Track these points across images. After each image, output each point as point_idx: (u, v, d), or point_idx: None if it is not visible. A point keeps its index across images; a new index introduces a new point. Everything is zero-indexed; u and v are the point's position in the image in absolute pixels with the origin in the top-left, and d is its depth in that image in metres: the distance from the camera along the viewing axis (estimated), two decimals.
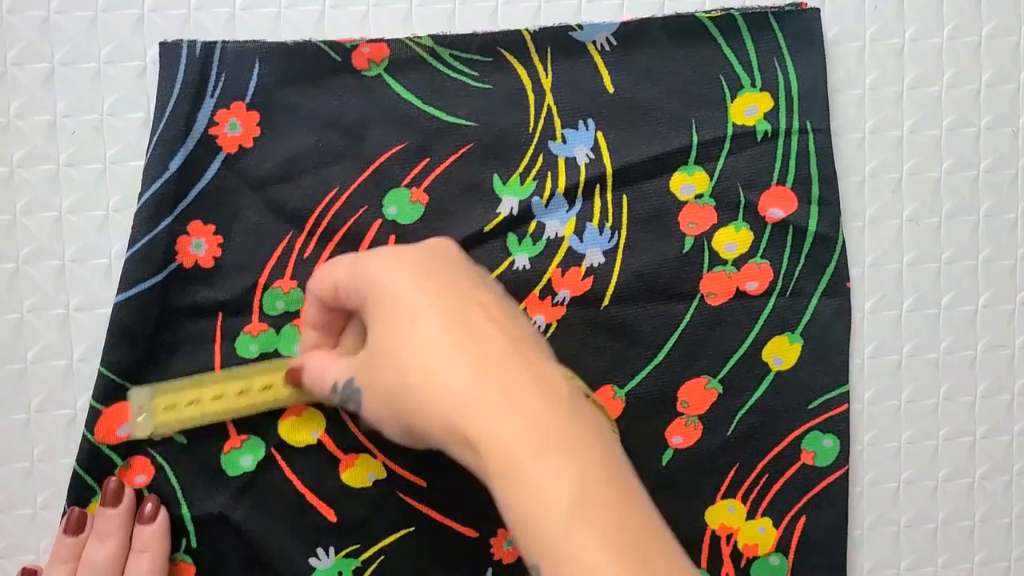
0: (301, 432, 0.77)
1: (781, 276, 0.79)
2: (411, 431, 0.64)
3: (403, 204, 0.77)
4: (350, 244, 0.77)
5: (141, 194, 0.74)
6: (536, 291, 0.78)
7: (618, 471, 0.61)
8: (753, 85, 0.78)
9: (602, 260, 0.78)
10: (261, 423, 0.77)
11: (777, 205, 0.79)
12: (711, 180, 0.78)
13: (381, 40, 0.76)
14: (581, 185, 0.77)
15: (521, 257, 0.78)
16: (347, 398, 0.68)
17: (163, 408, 0.75)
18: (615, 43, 0.77)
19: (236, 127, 0.75)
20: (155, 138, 0.74)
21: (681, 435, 0.80)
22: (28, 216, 0.76)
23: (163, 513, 0.75)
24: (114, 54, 0.76)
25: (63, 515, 0.75)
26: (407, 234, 0.77)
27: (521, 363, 0.62)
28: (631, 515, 0.59)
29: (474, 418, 0.60)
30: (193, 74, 0.74)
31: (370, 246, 0.77)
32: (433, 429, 0.62)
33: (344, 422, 0.78)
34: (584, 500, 0.57)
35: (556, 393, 0.61)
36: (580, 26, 0.77)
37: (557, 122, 0.77)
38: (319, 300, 0.71)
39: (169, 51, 0.75)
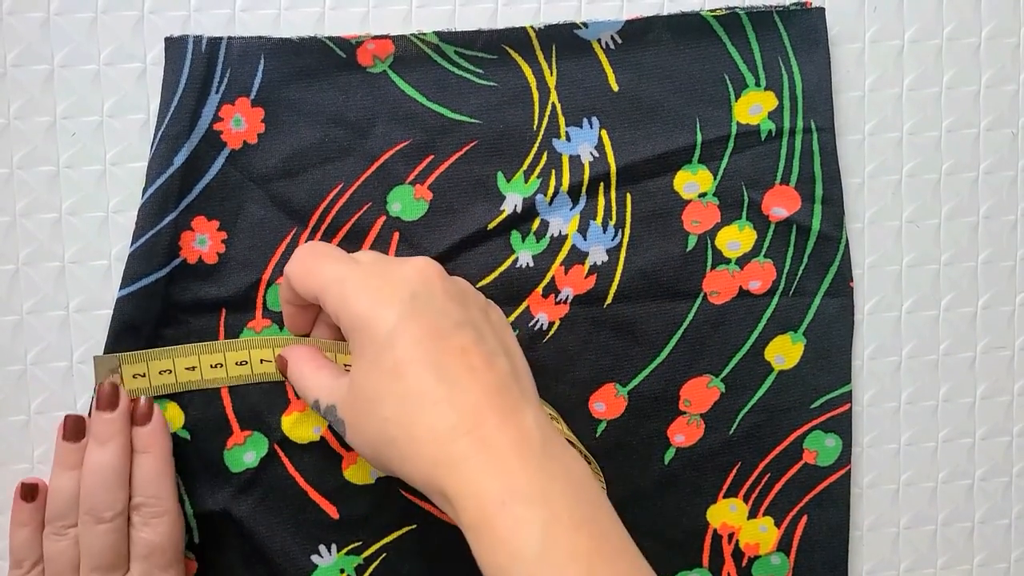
0: (304, 428, 0.77)
1: (784, 275, 0.79)
2: (393, 474, 0.66)
3: (407, 201, 0.77)
4: (354, 240, 0.77)
5: (145, 189, 0.74)
6: (539, 289, 0.78)
7: (590, 517, 0.62)
8: (757, 84, 0.78)
9: (605, 258, 0.78)
10: (264, 419, 0.77)
11: (780, 204, 0.79)
12: (715, 179, 0.78)
13: (386, 37, 0.76)
14: (585, 183, 0.77)
15: (524, 255, 0.78)
16: (330, 421, 0.69)
17: (132, 376, 0.75)
18: (620, 41, 0.77)
19: (241, 123, 0.75)
20: (159, 133, 0.74)
21: (683, 434, 0.80)
22: (28, 217, 0.76)
23: (158, 411, 0.75)
24: (114, 56, 0.76)
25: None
26: (411, 231, 0.77)
27: (495, 416, 0.63)
28: (601, 562, 0.60)
29: (449, 474, 0.62)
30: (198, 69, 0.74)
31: (374, 243, 0.77)
32: (414, 479, 0.64)
33: None
34: (550, 548, 0.59)
35: (528, 443, 0.63)
36: (585, 24, 0.77)
37: (561, 120, 0.77)
38: (292, 290, 0.72)
39: (174, 46, 0.75)
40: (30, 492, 0.74)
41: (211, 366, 0.76)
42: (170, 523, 0.73)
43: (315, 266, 0.70)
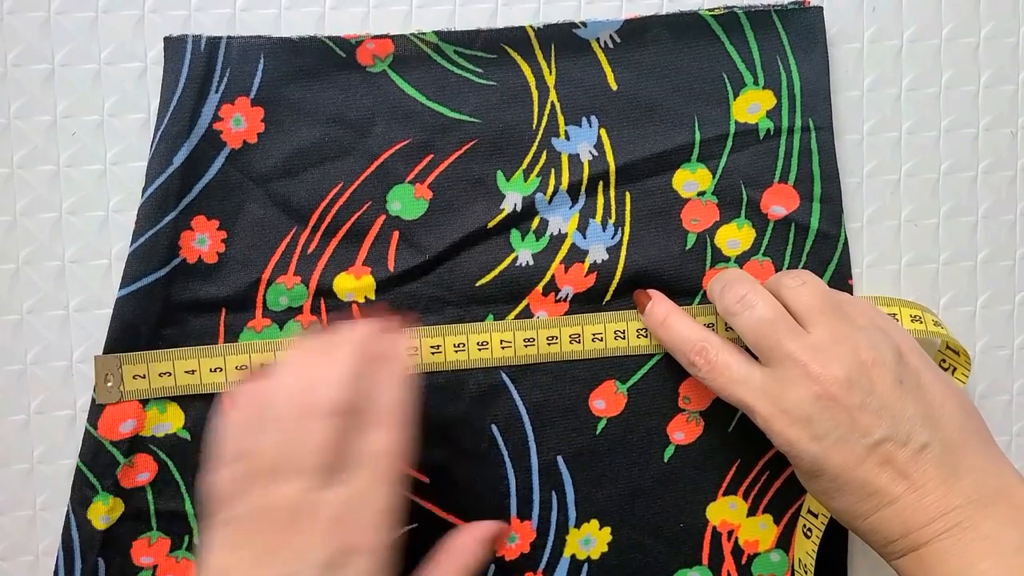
0: None
1: None
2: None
3: (407, 200, 0.77)
4: (354, 240, 0.77)
5: (145, 189, 0.75)
6: (539, 287, 0.78)
7: None
8: (756, 83, 0.78)
9: (605, 257, 0.78)
10: None
11: (779, 203, 0.79)
12: (714, 177, 0.79)
13: (386, 36, 0.76)
14: (584, 182, 0.78)
15: (524, 253, 0.78)
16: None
17: (132, 376, 0.76)
18: (619, 40, 0.78)
19: (240, 122, 0.75)
20: (159, 133, 0.75)
21: (683, 431, 0.80)
22: (28, 217, 0.76)
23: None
24: (114, 55, 0.76)
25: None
26: (411, 230, 0.77)
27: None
28: None
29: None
30: (198, 69, 0.75)
31: (374, 242, 0.77)
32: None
33: None
34: None
35: None
36: (584, 23, 0.77)
37: (560, 119, 0.78)
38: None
39: (174, 46, 0.75)
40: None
41: (210, 370, 0.76)
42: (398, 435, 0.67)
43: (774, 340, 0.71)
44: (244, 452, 0.63)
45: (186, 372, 0.76)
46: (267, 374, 0.65)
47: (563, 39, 0.77)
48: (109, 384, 0.75)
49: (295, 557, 0.60)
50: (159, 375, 0.76)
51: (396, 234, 0.77)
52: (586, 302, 0.79)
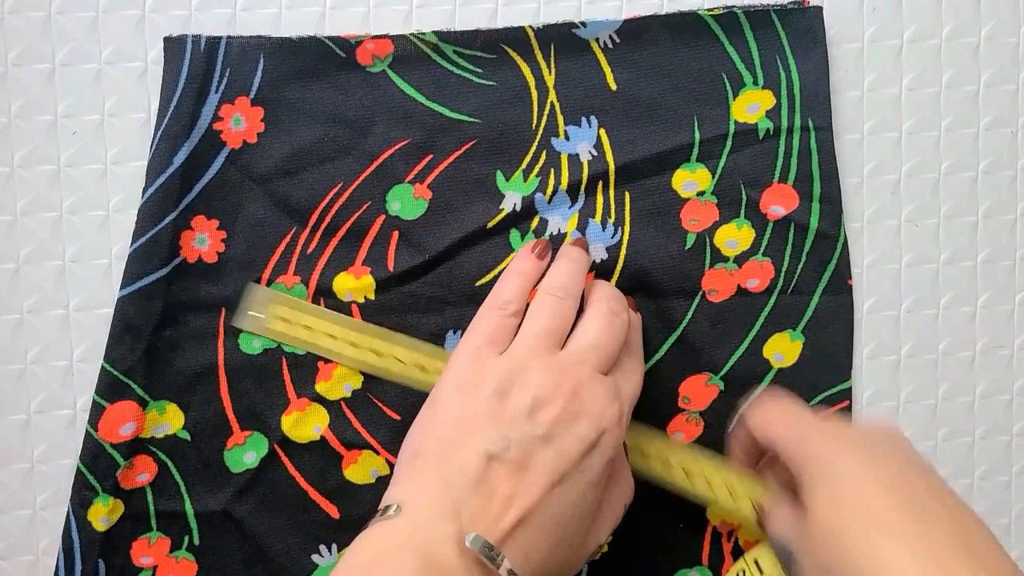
0: (304, 428, 0.77)
1: (783, 274, 0.79)
2: None
3: (407, 200, 0.77)
4: (354, 239, 0.77)
5: (145, 189, 0.75)
6: (539, 287, 0.77)
7: None
8: (755, 83, 0.78)
9: (605, 256, 0.78)
10: (264, 419, 0.77)
11: (779, 203, 0.79)
12: (713, 177, 0.78)
13: (385, 36, 0.76)
14: (584, 182, 0.78)
15: None
16: (780, 556, 0.71)
17: (276, 317, 0.76)
18: (618, 40, 0.78)
19: (240, 122, 0.75)
20: (159, 133, 0.74)
21: (682, 431, 0.80)
22: (29, 216, 0.76)
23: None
24: (115, 55, 0.76)
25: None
26: (411, 230, 0.77)
27: (965, 563, 0.62)
28: None
29: None
30: (198, 69, 0.75)
31: (373, 242, 0.77)
32: None
33: (347, 418, 0.78)
34: None
35: None
36: (583, 23, 0.77)
37: (560, 119, 0.78)
38: (750, 436, 0.74)
39: (174, 46, 0.75)
40: (543, 251, 0.75)
41: (349, 343, 0.77)
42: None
43: (773, 412, 0.72)
44: None
45: (327, 334, 0.77)
46: None
47: (563, 39, 0.77)
48: (254, 314, 0.76)
49: None
50: (303, 327, 0.77)
51: (396, 234, 0.77)
52: None
